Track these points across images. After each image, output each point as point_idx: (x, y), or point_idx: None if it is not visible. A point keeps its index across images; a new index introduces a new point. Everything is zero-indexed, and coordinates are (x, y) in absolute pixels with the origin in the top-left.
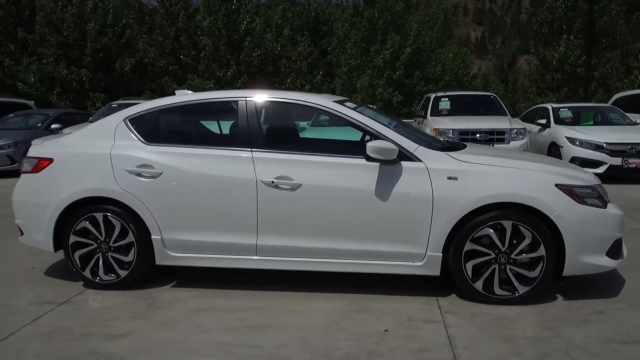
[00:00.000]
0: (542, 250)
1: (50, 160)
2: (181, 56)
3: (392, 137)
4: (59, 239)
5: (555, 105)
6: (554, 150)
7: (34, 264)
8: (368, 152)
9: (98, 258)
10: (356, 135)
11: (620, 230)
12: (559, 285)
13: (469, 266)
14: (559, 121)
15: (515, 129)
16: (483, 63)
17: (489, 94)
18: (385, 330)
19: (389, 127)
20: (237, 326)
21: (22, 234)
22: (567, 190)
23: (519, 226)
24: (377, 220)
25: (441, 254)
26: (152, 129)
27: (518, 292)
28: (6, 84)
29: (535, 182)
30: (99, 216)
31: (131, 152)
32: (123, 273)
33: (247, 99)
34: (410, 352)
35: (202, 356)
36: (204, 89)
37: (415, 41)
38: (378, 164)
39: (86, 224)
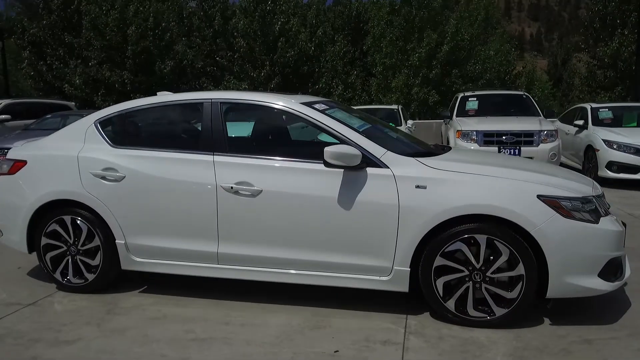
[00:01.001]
0: (521, 269)
1: (24, 163)
2: (217, 57)
3: (359, 142)
4: (33, 240)
5: (594, 105)
6: (589, 153)
7: (21, 263)
8: (326, 158)
9: (68, 261)
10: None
11: (617, 249)
12: (545, 308)
13: (439, 283)
14: (598, 122)
15: (545, 130)
16: (533, 61)
17: (521, 93)
18: (335, 351)
19: (357, 131)
20: (185, 338)
21: (1, 234)
22: (551, 202)
23: (495, 241)
24: (340, 231)
25: (409, 269)
26: (119, 132)
27: (495, 314)
28: (55, 85)
29: (514, 192)
30: (67, 219)
31: (98, 155)
32: (91, 277)
33: (212, 100)
34: None
35: None
36: (237, 90)
37: (453, 38)
38: (342, 170)
39: (56, 226)
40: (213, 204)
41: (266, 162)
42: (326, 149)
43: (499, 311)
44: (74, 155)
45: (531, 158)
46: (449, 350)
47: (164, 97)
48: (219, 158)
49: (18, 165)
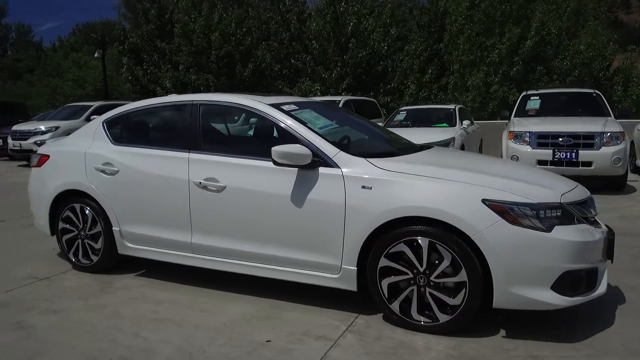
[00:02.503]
0: (463, 275)
1: (47, 157)
2: (292, 60)
3: (314, 142)
4: (54, 224)
5: None
6: None
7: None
8: (273, 157)
9: (78, 243)
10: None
11: (574, 261)
12: (506, 319)
13: (384, 284)
14: None
15: (608, 132)
16: (631, 55)
17: (591, 91)
18: (267, 341)
19: (315, 132)
20: (147, 318)
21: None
22: (497, 207)
23: (437, 245)
24: (293, 227)
25: (356, 268)
26: (119, 131)
27: (438, 320)
28: (149, 88)
29: (458, 195)
30: (77, 207)
31: (100, 151)
32: (95, 258)
33: (193, 102)
34: None
35: (92, 340)
36: (309, 92)
37: (537, 33)
38: (297, 168)
39: (69, 213)
40: (186, 197)
41: (231, 160)
42: (273, 148)
43: (443, 317)
44: (82, 152)
45: (590, 162)
46: (377, 352)
47: (156, 99)
48: (193, 155)
49: (43, 159)
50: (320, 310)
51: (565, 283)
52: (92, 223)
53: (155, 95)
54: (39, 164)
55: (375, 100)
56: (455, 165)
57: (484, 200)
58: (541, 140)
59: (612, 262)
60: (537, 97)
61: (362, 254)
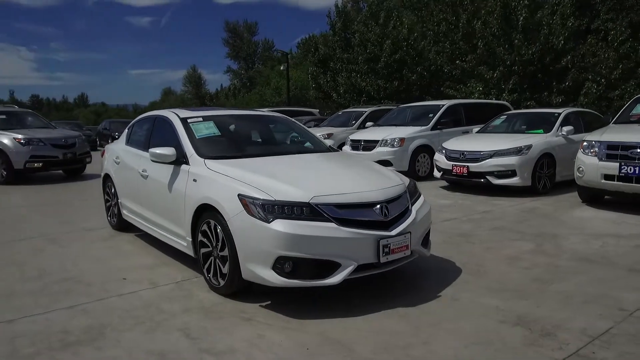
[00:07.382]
0: (226, 251)
1: (105, 150)
2: (458, 61)
3: (184, 145)
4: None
5: None
6: None
7: None
8: (149, 156)
9: (111, 209)
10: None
11: (288, 249)
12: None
13: (201, 253)
14: None
15: None
16: None
17: None
18: (123, 278)
19: (190, 138)
20: (94, 257)
21: None
22: (243, 200)
23: (217, 226)
24: (169, 207)
25: (191, 239)
26: (129, 134)
27: (219, 284)
28: (328, 94)
29: (228, 190)
30: (109, 185)
31: (117, 148)
32: (115, 220)
33: (152, 115)
34: (104, 291)
35: (52, 263)
36: (471, 93)
37: None
38: (172, 164)
39: (107, 189)
40: (138, 181)
41: None
42: (149, 150)
43: (221, 282)
44: (112, 148)
45: None
46: (166, 296)
47: (147, 113)
48: (144, 153)
49: (103, 152)
50: (186, 269)
51: (285, 266)
52: (114, 196)
53: (332, 100)
54: (103, 155)
55: (507, 104)
56: (260, 168)
57: (239, 195)
58: (611, 151)
59: (379, 263)
60: None
61: (194, 230)
